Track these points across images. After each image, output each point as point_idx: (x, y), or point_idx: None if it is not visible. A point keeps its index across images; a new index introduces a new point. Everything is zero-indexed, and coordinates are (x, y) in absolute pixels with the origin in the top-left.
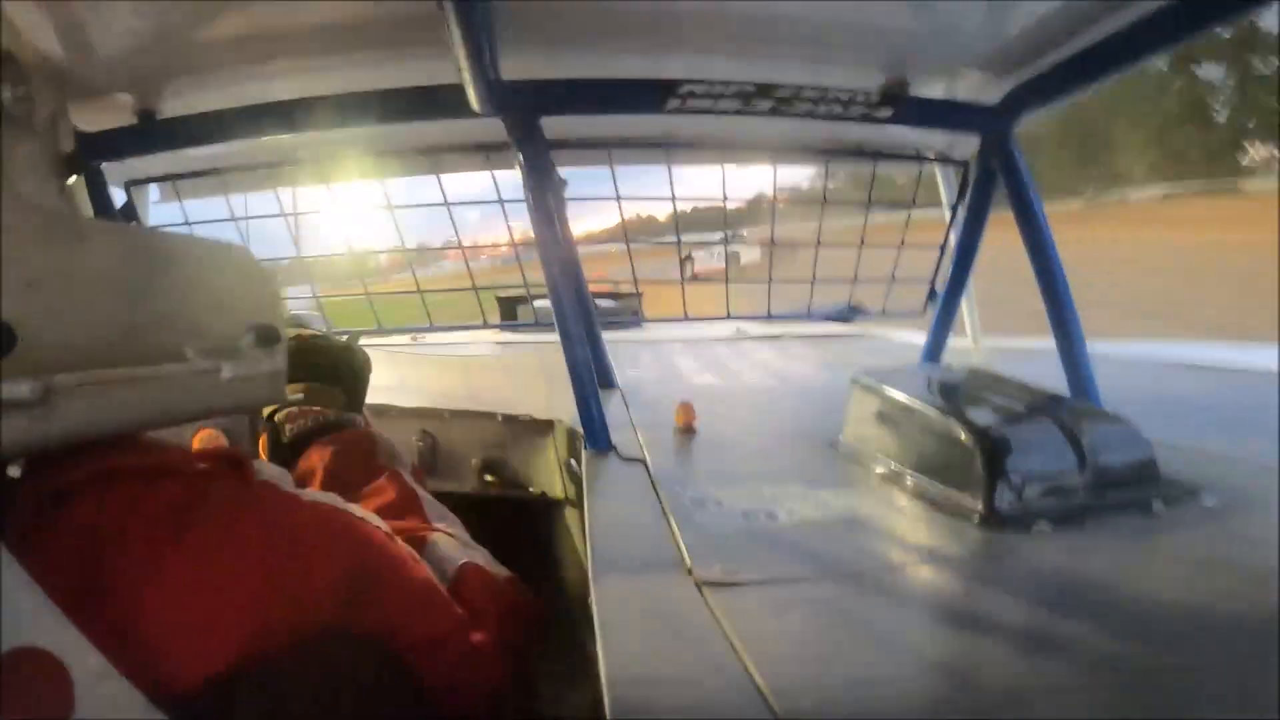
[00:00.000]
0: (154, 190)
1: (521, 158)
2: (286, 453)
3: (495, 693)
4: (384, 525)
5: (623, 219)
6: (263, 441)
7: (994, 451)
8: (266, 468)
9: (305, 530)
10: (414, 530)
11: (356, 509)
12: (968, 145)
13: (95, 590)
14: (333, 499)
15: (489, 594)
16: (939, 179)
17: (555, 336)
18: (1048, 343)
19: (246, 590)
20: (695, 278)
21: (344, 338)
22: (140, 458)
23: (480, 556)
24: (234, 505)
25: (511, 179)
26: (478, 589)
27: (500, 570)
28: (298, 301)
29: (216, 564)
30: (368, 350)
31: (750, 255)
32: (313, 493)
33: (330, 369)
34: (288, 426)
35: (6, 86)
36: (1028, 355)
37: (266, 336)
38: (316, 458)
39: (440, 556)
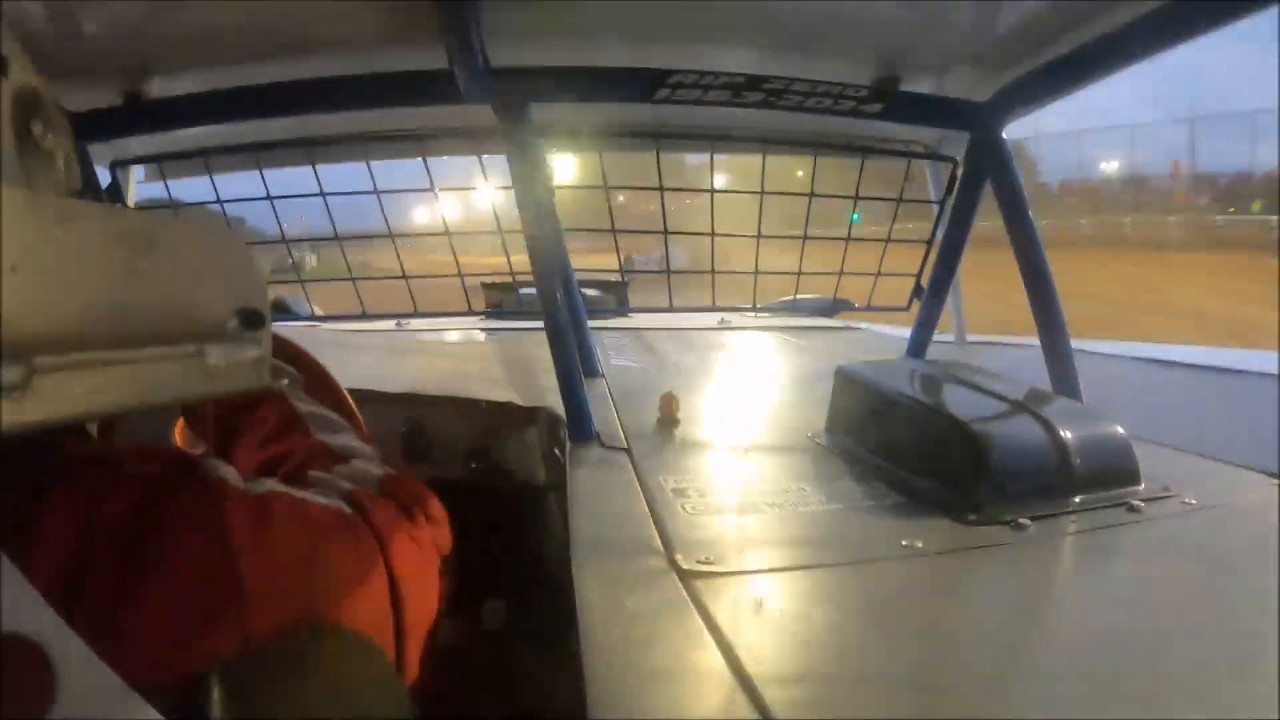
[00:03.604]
0: (139, 171)
1: (509, 145)
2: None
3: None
4: (321, 499)
5: (610, 208)
6: None
7: (977, 447)
8: (219, 466)
9: (260, 527)
10: (292, 456)
11: (298, 493)
12: (957, 141)
13: (70, 591)
14: (274, 487)
15: (380, 516)
16: (927, 175)
17: (541, 324)
18: (1032, 339)
19: (210, 592)
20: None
21: None
22: (99, 453)
23: (361, 463)
24: (193, 511)
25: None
26: (369, 511)
27: (374, 472)
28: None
29: (179, 571)
30: (351, 334)
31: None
32: (259, 484)
33: None
34: None
35: (38, 121)
36: (1012, 351)
37: (252, 320)
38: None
39: (326, 488)
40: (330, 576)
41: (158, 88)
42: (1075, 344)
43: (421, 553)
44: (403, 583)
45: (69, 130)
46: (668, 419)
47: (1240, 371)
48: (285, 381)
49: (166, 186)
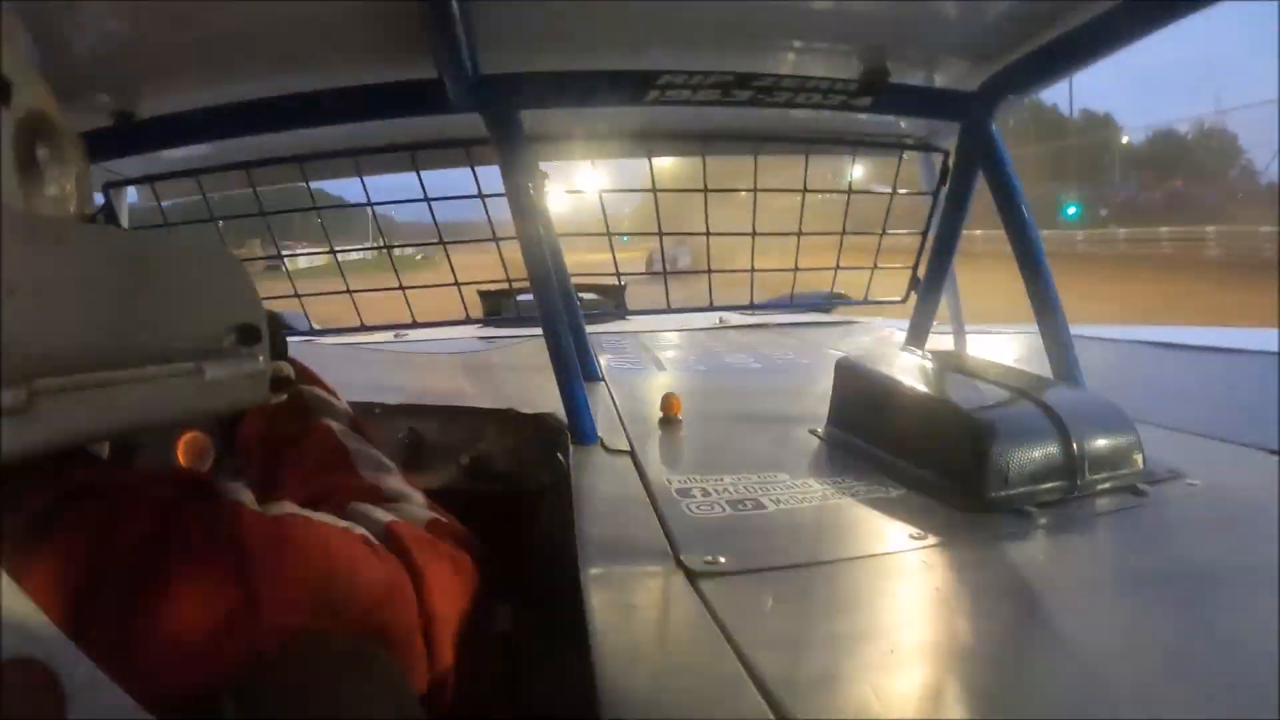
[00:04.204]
0: (132, 192)
1: (501, 152)
2: (227, 423)
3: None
4: (343, 523)
5: (604, 212)
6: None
7: (980, 435)
8: (231, 488)
9: (275, 547)
10: (339, 493)
11: (317, 516)
12: (948, 132)
13: (83, 612)
14: (292, 509)
15: (420, 548)
16: (920, 167)
17: (539, 331)
18: (1031, 327)
19: (224, 610)
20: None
21: None
22: (112, 479)
23: (409, 506)
24: (206, 531)
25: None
26: (408, 546)
27: (423, 515)
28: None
29: (194, 589)
30: (350, 348)
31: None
32: (277, 506)
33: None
34: None
35: (43, 146)
36: (1011, 339)
37: (248, 336)
38: (251, 426)
39: (363, 518)
40: (348, 597)
41: (148, 107)
42: (1074, 329)
43: (457, 586)
44: (436, 614)
45: (81, 151)
46: (669, 419)
47: (1240, 351)
48: (284, 396)
49: (160, 207)
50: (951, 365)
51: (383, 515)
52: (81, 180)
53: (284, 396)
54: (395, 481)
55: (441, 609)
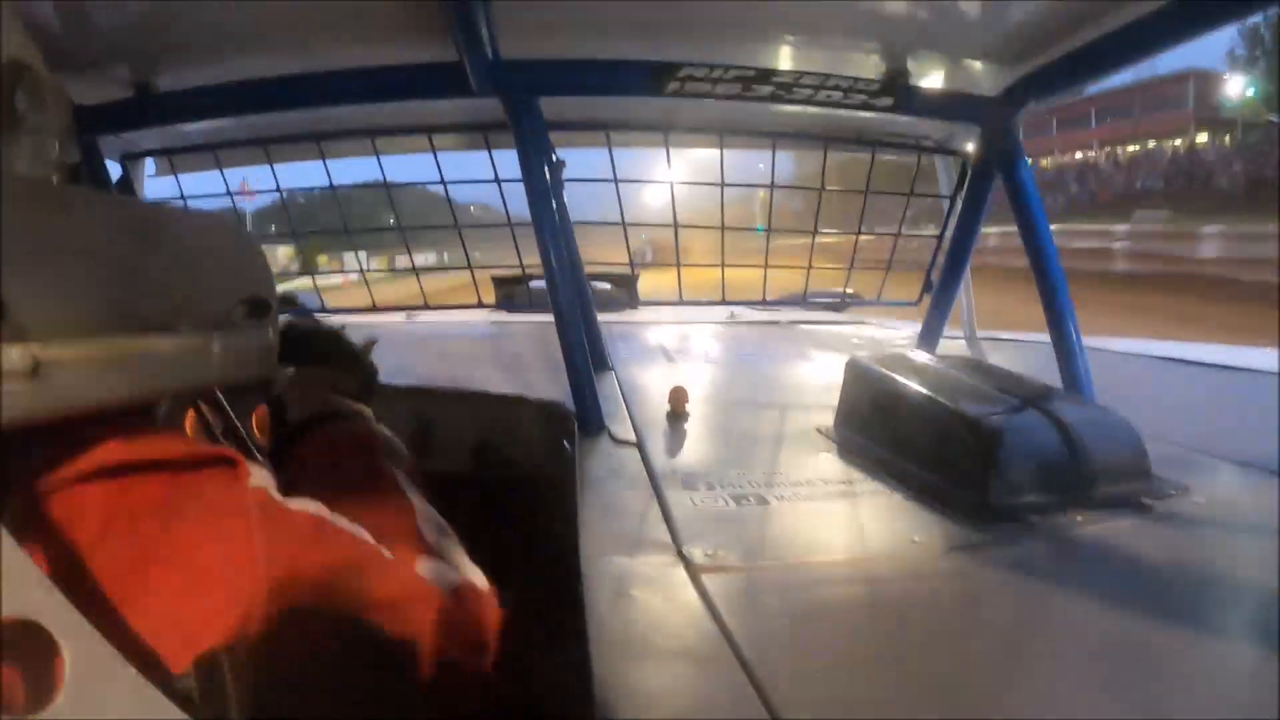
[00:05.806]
0: (150, 164)
1: (518, 138)
2: (289, 432)
3: (481, 668)
4: (369, 537)
5: (620, 202)
6: (259, 415)
7: (988, 442)
8: (258, 473)
9: (288, 533)
10: (404, 552)
11: (342, 520)
12: (967, 135)
13: (84, 578)
14: (318, 507)
15: (487, 615)
16: (938, 169)
17: (551, 318)
18: (1042, 336)
19: (229, 585)
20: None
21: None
22: (136, 449)
23: (472, 578)
24: (221, 506)
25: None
26: (475, 609)
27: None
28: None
29: (200, 560)
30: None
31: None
32: (299, 501)
33: (348, 357)
34: (296, 406)
35: (21, 95)
36: (1023, 348)
37: (258, 309)
38: (319, 446)
39: (437, 572)
40: (350, 596)
41: (168, 81)
42: (1086, 341)
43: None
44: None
45: (65, 104)
46: (677, 413)
47: (1254, 371)
48: (290, 370)
49: (178, 180)
50: (962, 371)
51: (455, 576)
52: (64, 131)
53: (291, 371)
54: (460, 557)
55: (479, 655)
